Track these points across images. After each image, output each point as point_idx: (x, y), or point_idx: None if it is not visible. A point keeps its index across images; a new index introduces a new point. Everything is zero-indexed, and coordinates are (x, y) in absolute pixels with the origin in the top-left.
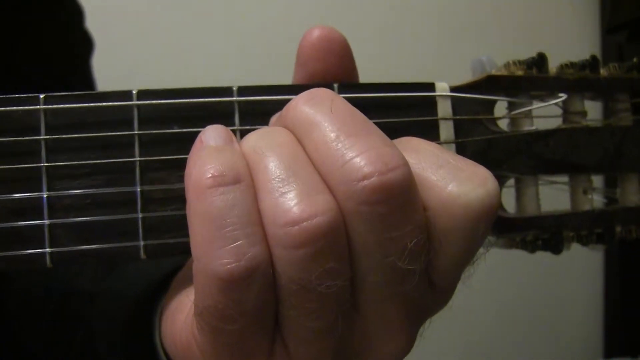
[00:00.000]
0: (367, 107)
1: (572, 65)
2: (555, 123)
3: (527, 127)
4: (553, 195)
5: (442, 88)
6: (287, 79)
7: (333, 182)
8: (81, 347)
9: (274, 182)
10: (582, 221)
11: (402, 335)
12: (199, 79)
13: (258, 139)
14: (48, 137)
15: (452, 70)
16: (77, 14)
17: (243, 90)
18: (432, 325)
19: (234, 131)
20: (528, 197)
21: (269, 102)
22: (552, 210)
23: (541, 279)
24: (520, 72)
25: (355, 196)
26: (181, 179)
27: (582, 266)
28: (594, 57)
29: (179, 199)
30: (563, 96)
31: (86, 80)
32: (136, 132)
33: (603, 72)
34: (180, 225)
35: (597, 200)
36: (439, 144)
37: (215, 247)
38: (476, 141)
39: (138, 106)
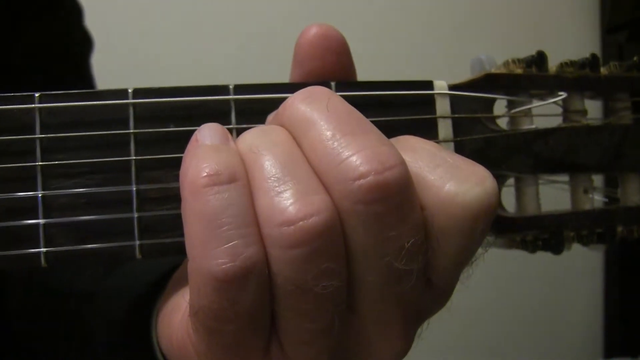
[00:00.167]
0: (364, 106)
1: (572, 63)
2: (555, 122)
3: (526, 125)
4: (553, 195)
5: (441, 86)
6: (285, 78)
7: (329, 181)
8: (80, 346)
9: (269, 181)
10: (582, 221)
11: (399, 336)
12: (198, 77)
13: (254, 137)
14: (43, 135)
15: (452, 69)
16: (76, 12)
17: (239, 89)
18: (431, 324)
19: (230, 130)
20: (528, 196)
21: (265, 101)
22: (552, 209)
23: (541, 279)
24: (519, 71)
25: (351, 195)
26: (177, 178)
27: (582, 266)
28: (594, 56)
29: (175, 198)
30: (563, 95)
31: (86, 79)
32: (132, 130)
33: (603, 70)
34: (176, 225)
35: (597, 200)
36: (437, 142)
37: (211, 246)
38: (475, 140)
39: (134, 105)
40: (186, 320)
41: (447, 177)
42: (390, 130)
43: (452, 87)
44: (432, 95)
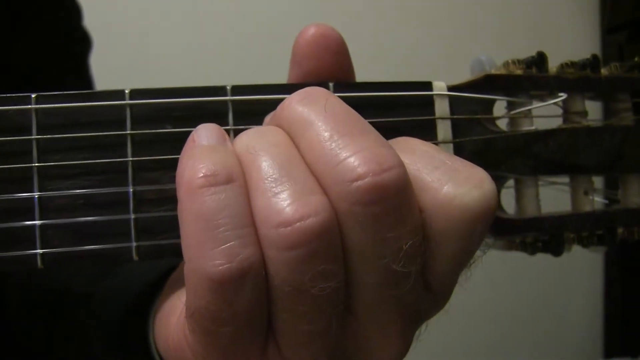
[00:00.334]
0: (363, 107)
1: (573, 64)
2: (555, 123)
3: (526, 127)
4: (553, 196)
5: (440, 87)
6: (283, 79)
7: (327, 182)
8: (78, 347)
9: (267, 182)
10: (583, 222)
11: (397, 338)
12: (196, 78)
13: (251, 138)
14: (40, 136)
15: (451, 69)
16: (75, 12)
17: (237, 90)
18: (431, 325)
19: (227, 130)
20: (528, 198)
21: (263, 102)
22: (552, 211)
23: (541, 279)
24: (519, 72)
25: (349, 197)
26: (174, 179)
27: (582, 266)
28: (594, 57)
29: (172, 199)
30: (563, 96)
31: (84, 79)
32: (129, 132)
33: (604, 71)
34: (173, 227)
35: (598, 201)
36: (436, 143)
37: (207, 248)
38: (474, 141)
39: (131, 106)
40: (183, 321)
41: (445, 180)
42: (389, 131)
43: (451, 88)
44: (431, 96)
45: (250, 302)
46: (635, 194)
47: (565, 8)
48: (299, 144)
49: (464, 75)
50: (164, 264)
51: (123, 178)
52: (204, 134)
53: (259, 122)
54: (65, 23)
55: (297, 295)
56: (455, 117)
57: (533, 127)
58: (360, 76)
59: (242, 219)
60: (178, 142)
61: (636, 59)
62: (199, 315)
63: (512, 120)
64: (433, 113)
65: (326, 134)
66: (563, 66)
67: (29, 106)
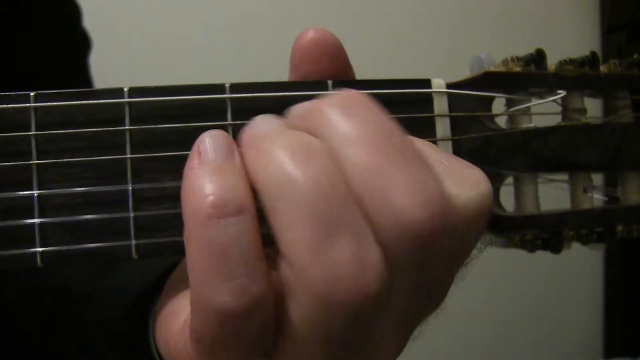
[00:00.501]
0: None
1: (572, 62)
2: (554, 120)
3: (525, 124)
4: (553, 194)
5: (439, 84)
6: (282, 77)
7: (377, 222)
8: (76, 346)
9: (315, 228)
10: (582, 220)
11: (391, 341)
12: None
13: (288, 161)
14: (38, 132)
15: (450, 67)
16: (75, 12)
17: (236, 88)
18: (431, 325)
19: (226, 127)
20: (527, 195)
21: (262, 99)
22: (551, 209)
23: (541, 279)
24: (518, 69)
25: (403, 244)
26: (174, 177)
27: (582, 266)
28: (593, 54)
29: (171, 197)
30: (562, 93)
31: (84, 79)
32: (127, 127)
33: (603, 69)
34: (173, 225)
35: (597, 199)
36: (435, 141)
37: (216, 282)
38: (473, 138)
39: (130, 104)
40: (185, 332)
41: (441, 179)
42: None
43: (450, 86)
44: (430, 93)
45: (259, 331)
46: (635, 191)
47: (565, 8)
48: (342, 166)
49: (463, 73)
50: (164, 262)
51: (122, 176)
52: (210, 148)
53: None
54: (64, 23)
55: (324, 343)
56: (454, 114)
57: (532, 125)
58: (359, 74)
59: (252, 253)
60: (177, 140)
61: (635, 56)
62: (204, 341)
63: (511, 118)
64: (432, 110)
65: (379, 161)
66: (562, 63)
67: (28, 104)
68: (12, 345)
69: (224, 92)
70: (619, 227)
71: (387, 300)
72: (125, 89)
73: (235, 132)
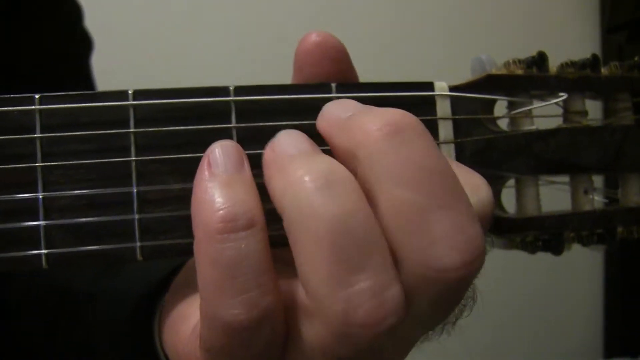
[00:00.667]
0: None
1: (573, 64)
2: (555, 123)
3: (527, 126)
4: (553, 196)
5: (441, 87)
6: (286, 80)
7: (406, 262)
8: (78, 346)
9: (338, 264)
10: (583, 221)
11: (396, 357)
12: (199, 79)
13: (314, 193)
14: (43, 135)
15: (452, 69)
16: (75, 12)
17: (240, 90)
18: None
19: (229, 129)
20: (528, 197)
21: (266, 102)
22: (552, 210)
23: (541, 279)
24: (520, 71)
25: (429, 286)
26: (178, 179)
27: (582, 266)
28: (594, 56)
29: (176, 199)
30: (563, 95)
31: (85, 80)
32: (132, 130)
33: (604, 71)
34: (177, 226)
35: (598, 201)
36: (437, 144)
37: (226, 295)
38: (475, 141)
39: (134, 106)
40: (195, 338)
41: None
42: None
43: (452, 89)
44: (433, 96)
45: (267, 343)
46: (635, 193)
47: (565, 8)
48: (376, 198)
49: (464, 74)
50: (167, 263)
51: (127, 178)
52: (220, 158)
53: (262, 123)
54: (64, 23)
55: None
56: (456, 117)
57: (534, 127)
58: (362, 77)
59: (262, 265)
60: (181, 143)
61: (636, 58)
62: (214, 351)
63: (513, 120)
64: (435, 113)
65: (421, 201)
66: (563, 66)
67: (33, 107)
68: (14, 345)
69: (228, 95)
70: (619, 229)
71: (400, 328)
72: (129, 92)
73: (240, 135)
